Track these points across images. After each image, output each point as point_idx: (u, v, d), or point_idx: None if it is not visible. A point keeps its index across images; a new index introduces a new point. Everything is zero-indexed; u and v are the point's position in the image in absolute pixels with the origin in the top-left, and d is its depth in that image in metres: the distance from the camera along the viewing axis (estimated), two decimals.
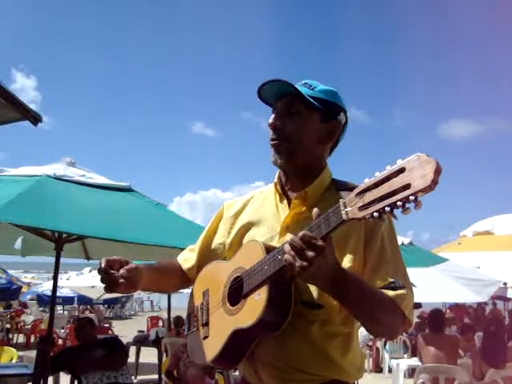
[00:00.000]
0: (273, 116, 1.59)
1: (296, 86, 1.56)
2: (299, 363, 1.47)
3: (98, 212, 4.05)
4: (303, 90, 1.55)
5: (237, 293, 1.51)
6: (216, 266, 1.70)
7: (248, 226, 1.67)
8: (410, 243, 6.91)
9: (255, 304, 1.41)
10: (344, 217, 1.21)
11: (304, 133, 1.56)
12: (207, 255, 1.78)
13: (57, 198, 4.09)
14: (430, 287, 6.03)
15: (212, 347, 1.56)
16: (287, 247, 1.27)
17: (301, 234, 1.25)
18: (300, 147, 1.56)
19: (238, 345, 1.49)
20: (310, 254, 1.22)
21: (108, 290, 1.53)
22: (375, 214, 1.15)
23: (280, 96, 1.58)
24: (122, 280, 1.50)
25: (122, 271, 1.51)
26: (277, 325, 1.41)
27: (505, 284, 7.46)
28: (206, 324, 1.62)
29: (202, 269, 1.76)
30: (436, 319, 6.14)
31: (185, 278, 1.84)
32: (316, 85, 1.59)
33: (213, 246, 1.78)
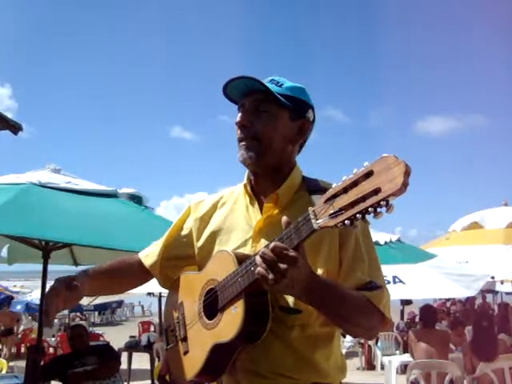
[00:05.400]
0: (240, 114, 1.54)
1: (264, 82, 1.50)
2: (282, 369, 1.45)
3: (85, 219, 4.00)
4: (271, 88, 1.50)
5: (212, 305, 1.47)
6: (188, 277, 1.65)
7: (219, 230, 1.62)
8: (398, 240, 6.93)
9: (232, 318, 1.38)
10: (315, 226, 1.18)
11: (274, 132, 1.51)
12: (171, 252, 1.73)
13: (43, 205, 4.04)
14: (419, 284, 6.05)
15: (193, 363, 1.52)
16: (259, 259, 1.22)
17: (272, 245, 1.21)
18: (270, 147, 1.51)
19: (220, 358, 1.46)
20: (283, 265, 1.19)
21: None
22: (347, 222, 1.12)
23: (247, 93, 1.53)
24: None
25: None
26: (257, 335, 1.39)
27: (492, 278, 7.51)
28: (185, 339, 1.58)
29: (167, 267, 1.73)
30: (427, 315, 6.17)
31: (145, 275, 1.77)
32: (283, 81, 1.55)
33: (178, 241, 1.72)
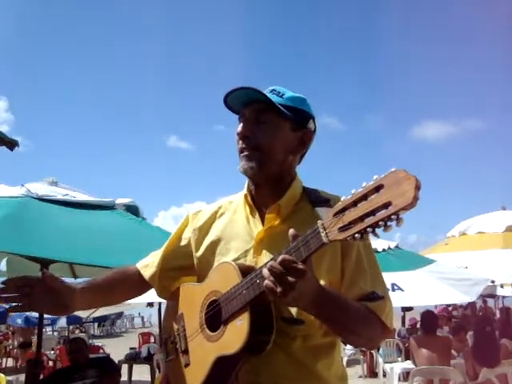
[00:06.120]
0: (241, 125, 1.53)
1: (265, 93, 1.50)
2: (284, 379, 1.45)
3: (84, 235, 3.98)
4: (273, 98, 1.50)
5: (215, 317, 1.46)
6: (188, 288, 1.64)
7: (219, 241, 1.61)
8: (397, 246, 6.93)
9: (237, 330, 1.37)
10: (324, 240, 1.17)
11: (275, 142, 1.51)
12: (170, 263, 1.71)
13: (41, 220, 4.03)
14: (419, 290, 6.04)
15: (195, 375, 1.51)
16: (266, 272, 1.21)
17: (280, 258, 1.20)
18: (271, 157, 1.51)
19: (222, 371, 1.45)
20: (291, 278, 1.18)
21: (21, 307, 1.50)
22: (357, 236, 1.11)
23: (247, 103, 1.52)
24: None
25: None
26: (261, 347, 1.39)
27: (493, 282, 7.50)
28: (186, 351, 1.57)
29: (166, 278, 1.71)
30: (428, 321, 6.16)
31: (143, 285, 1.76)
32: (284, 91, 1.55)
33: (176, 252, 1.71)
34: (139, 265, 1.78)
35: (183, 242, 1.71)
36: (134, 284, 1.76)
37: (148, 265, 1.75)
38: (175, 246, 1.73)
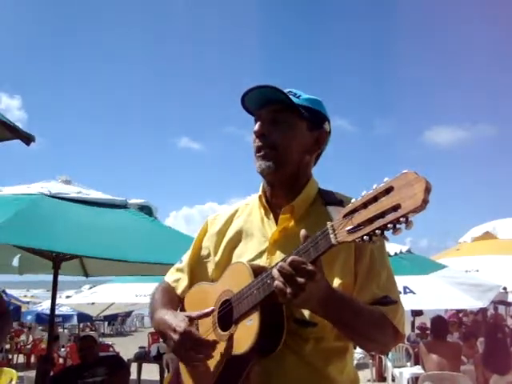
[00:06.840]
0: (258, 123, 1.54)
1: (284, 91, 1.50)
2: (296, 382, 1.44)
3: (95, 231, 4.03)
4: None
5: (227, 317, 1.46)
6: (202, 288, 1.64)
7: (235, 243, 1.62)
8: (408, 251, 6.89)
9: (247, 330, 1.38)
10: (333, 241, 1.18)
11: (292, 141, 1.51)
12: (196, 274, 1.71)
13: (53, 216, 4.08)
14: (430, 294, 6.00)
15: (206, 375, 1.52)
16: (276, 273, 1.22)
17: (289, 259, 1.20)
18: (287, 156, 1.51)
19: (233, 370, 1.45)
20: (301, 279, 1.19)
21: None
22: (365, 238, 1.11)
23: (264, 104, 1.53)
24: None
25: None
26: (271, 348, 1.38)
27: (504, 289, 7.43)
28: None
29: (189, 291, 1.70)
30: (438, 326, 6.12)
31: (179, 298, 1.76)
32: (300, 93, 1.55)
33: (200, 264, 1.71)
34: (170, 280, 1.77)
35: (204, 252, 1.71)
36: (177, 300, 1.75)
37: (179, 279, 1.75)
38: (198, 257, 1.72)
